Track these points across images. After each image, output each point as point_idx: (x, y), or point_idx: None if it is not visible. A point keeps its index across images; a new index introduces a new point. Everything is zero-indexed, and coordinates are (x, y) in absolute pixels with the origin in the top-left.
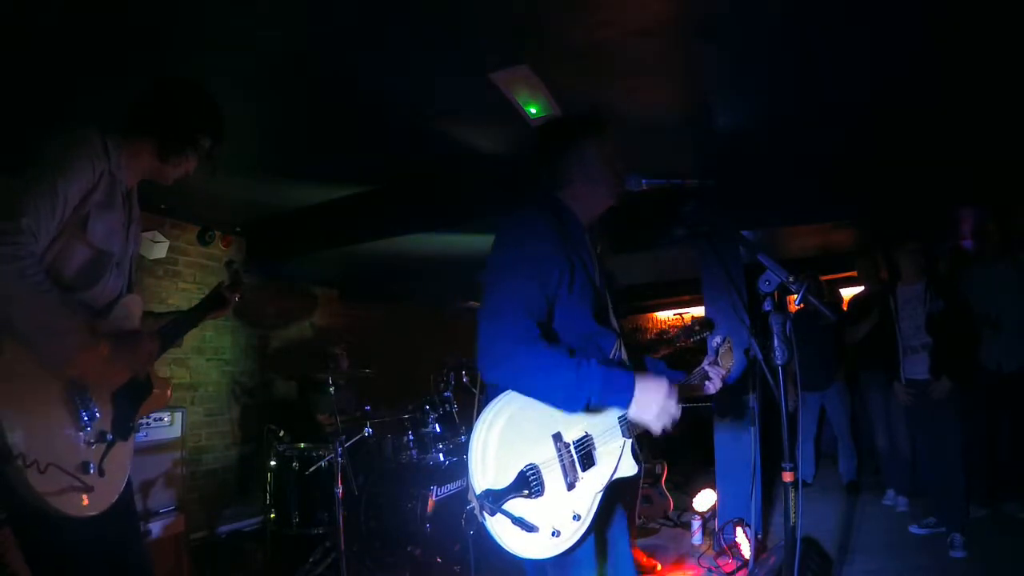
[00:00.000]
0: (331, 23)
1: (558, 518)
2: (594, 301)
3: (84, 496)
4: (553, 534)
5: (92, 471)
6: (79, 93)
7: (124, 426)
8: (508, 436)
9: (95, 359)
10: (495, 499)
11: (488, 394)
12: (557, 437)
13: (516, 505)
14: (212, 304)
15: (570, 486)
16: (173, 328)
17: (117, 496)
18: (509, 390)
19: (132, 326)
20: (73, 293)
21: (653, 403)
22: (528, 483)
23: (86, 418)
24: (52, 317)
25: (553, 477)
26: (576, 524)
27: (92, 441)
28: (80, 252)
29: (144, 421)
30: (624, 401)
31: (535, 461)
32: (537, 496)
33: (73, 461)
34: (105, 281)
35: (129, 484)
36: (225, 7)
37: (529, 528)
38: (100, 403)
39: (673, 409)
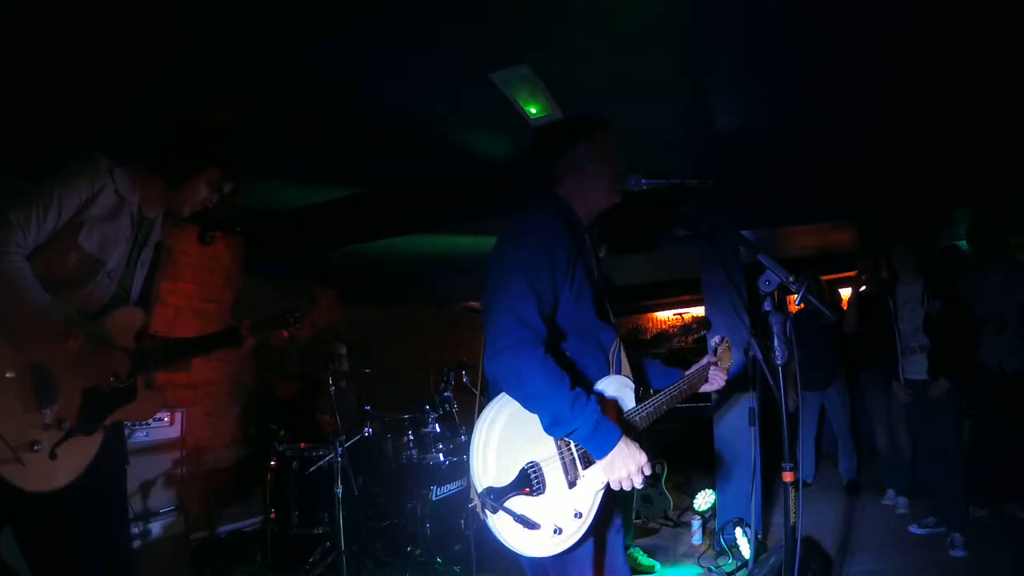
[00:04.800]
0: (331, 24)
1: (560, 516)
2: (594, 297)
3: (22, 469)
4: (555, 532)
5: (38, 450)
6: (74, 92)
7: (90, 423)
8: (509, 434)
9: (61, 350)
10: (497, 496)
11: (489, 393)
12: None
13: (518, 503)
14: (222, 341)
15: (571, 484)
16: (162, 352)
17: (69, 481)
18: None
19: (124, 337)
20: (62, 290)
21: (623, 467)
22: (529, 481)
23: (43, 402)
24: (23, 296)
25: (554, 475)
26: (578, 522)
27: (48, 424)
28: (72, 255)
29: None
30: (600, 454)
31: (536, 459)
32: (539, 494)
33: (21, 437)
34: (94, 285)
35: (120, 480)
36: (224, 8)
37: (531, 526)
38: (67, 394)
39: (637, 481)
